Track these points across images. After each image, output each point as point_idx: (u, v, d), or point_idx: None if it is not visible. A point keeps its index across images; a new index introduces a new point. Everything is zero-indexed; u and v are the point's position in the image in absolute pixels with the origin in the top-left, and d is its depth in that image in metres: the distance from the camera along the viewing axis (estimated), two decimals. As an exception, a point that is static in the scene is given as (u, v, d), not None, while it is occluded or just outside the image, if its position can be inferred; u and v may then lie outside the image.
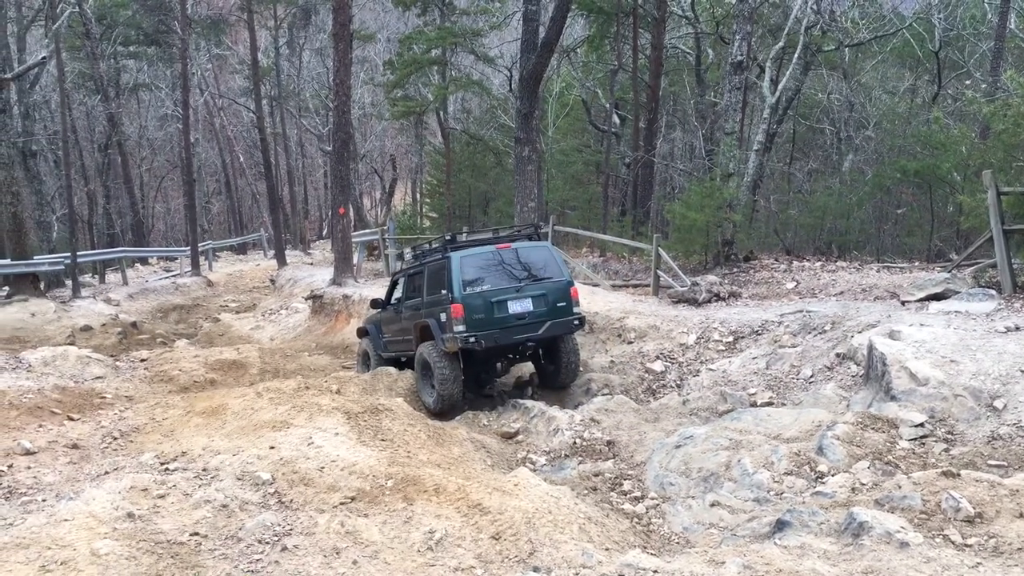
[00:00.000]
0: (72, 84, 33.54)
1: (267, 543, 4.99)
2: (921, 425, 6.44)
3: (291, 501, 5.66)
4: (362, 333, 12.56)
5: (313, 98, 41.85)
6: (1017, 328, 7.75)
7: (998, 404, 6.46)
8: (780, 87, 17.62)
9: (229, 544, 5.01)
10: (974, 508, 4.76)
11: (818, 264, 14.62)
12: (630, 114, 24.40)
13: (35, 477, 6.39)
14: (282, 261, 29.72)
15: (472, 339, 9.08)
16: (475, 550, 4.99)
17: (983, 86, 19.17)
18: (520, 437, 8.55)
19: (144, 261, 35.01)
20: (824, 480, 5.83)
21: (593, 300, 12.88)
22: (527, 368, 11.17)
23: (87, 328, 17.08)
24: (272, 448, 6.47)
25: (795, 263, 14.93)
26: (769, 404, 8.21)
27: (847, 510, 4.93)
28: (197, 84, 40.08)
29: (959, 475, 5.20)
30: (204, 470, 6.09)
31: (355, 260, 21.58)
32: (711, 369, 9.77)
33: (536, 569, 4.73)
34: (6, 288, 19.81)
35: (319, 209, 54.02)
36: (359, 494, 5.78)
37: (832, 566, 4.31)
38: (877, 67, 25.37)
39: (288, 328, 18.98)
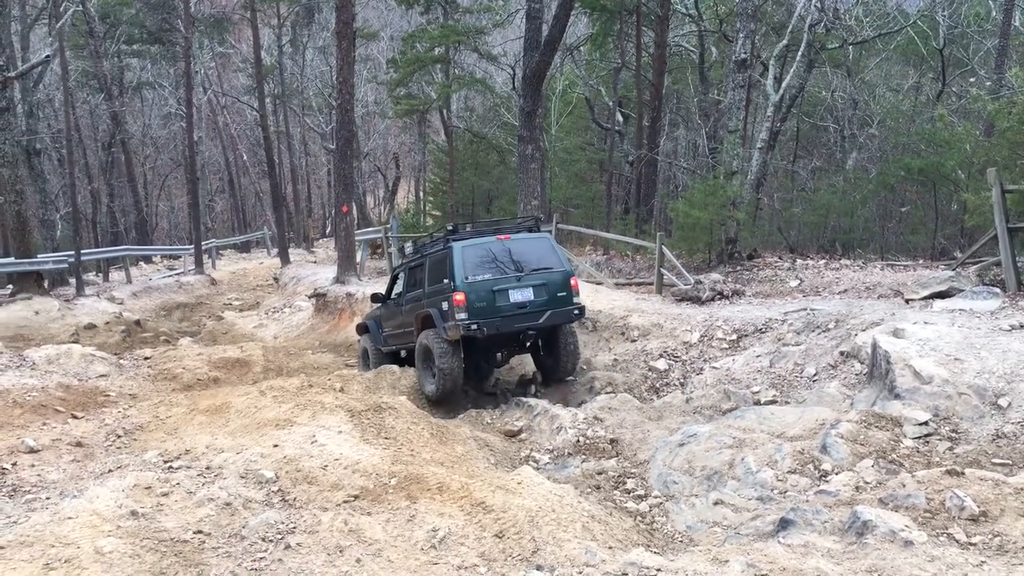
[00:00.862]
0: (76, 82, 33.58)
1: (271, 541, 4.99)
2: (925, 423, 6.42)
3: (294, 499, 5.66)
4: (362, 329, 12.63)
5: (316, 96, 41.87)
6: (1022, 326, 7.73)
7: (1002, 402, 6.44)
8: (784, 85, 17.58)
9: (233, 542, 5.02)
10: (978, 507, 4.75)
11: (822, 262, 14.59)
12: (633, 112, 24.40)
13: (39, 475, 6.40)
14: (285, 259, 29.72)
15: (474, 326, 9.16)
16: (478, 548, 4.99)
17: (987, 83, 19.11)
18: (523, 435, 8.55)
19: (148, 259, 35.07)
20: (828, 479, 5.82)
21: (597, 298, 12.87)
22: (530, 366, 11.18)
23: (91, 326, 17.10)
24: (275, 446, 6.47)
25: (799, 261, 14.90)
26: (773, 402, 8.21)
27: (851, 508, 4.92)
28: (200, 82, 40.15)
29: (963, 473, 5.19)
30: (208, 468, 6.09)
31: (358, 258, 21.60)
32: (715, 367, 9.75)
33: (539, 567, 4.73)
34: (10, 286, 19.84)
35: (322, 207, 54.05)
36: (362, 492, 5.78)
37: (836, 565, 4.30)
38: (881, 65, 25.34)
39: (291, 326, 19.00)
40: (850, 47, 21.49)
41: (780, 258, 15.64)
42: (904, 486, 5.21)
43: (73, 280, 21.35)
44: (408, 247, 14.26)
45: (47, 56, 21.71)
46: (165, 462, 6.42)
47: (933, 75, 23.54)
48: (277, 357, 13.43)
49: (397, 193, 47.65)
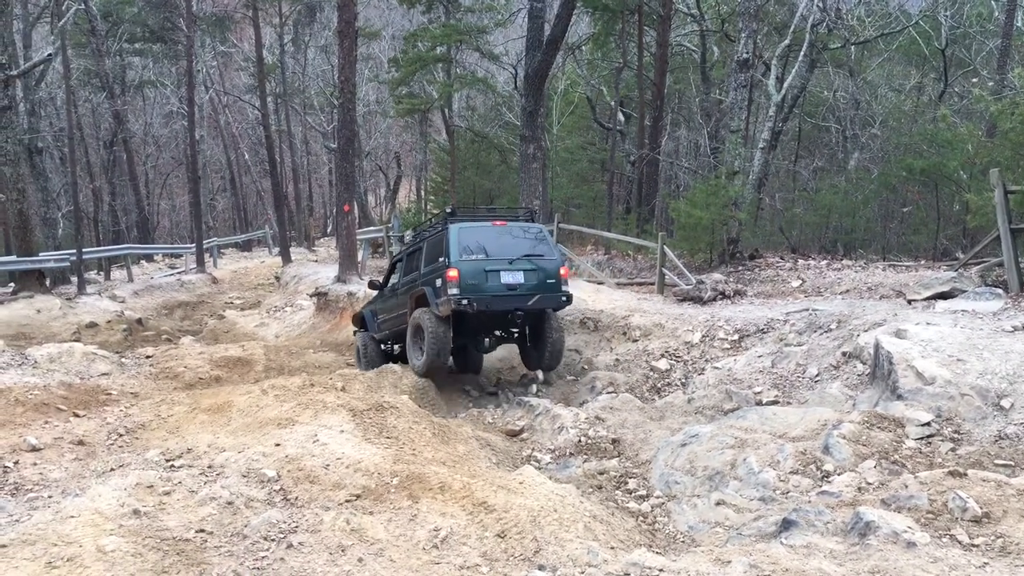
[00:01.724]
0: (78, 81, 33.58)
1: (272, 540, 4.99)
2: (928, 424, 6.42)
3: (296, 498, 5.66)
4: (357, 320, 13.07)
5: (318, 95, 41.85)
6: (1024, 327, 7.72)
7: (1005, 403, 6.43)
8: (786, 85, 17.58)
9: (235, 541, 5.01)
10: (981, 508, 4.74)
11: (824, 262, 14.59)
12: (635, 112, 24.39)
13: (41, 473, 6.39)
14: (287, 258, 29.72)
15: (465, 301, 9.51)
16: (480, 548, 4.99)
17: (990, 84, 19.09)
18: (525, 435, 8.54)
19: (149, 258, 35.09)
20: (830, 479, 5.81)
21: (598, 298, 12.87)
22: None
23: (93, 325, 17.11)
24: (277, 445, 6.47)
25: (800, 261, 14.90)
26: (775, 403, 8.20)
27: (853, 509, 4.92)
28: (202, 81, 40.13)
29: (966, 475, 5.18)
30: (209, 467, 6.09)
31: (360, 257, 21.61)
32: (716, 367, 9.75)
33: (541, 567, 4.73)
34: (12, 284, 19.85)
35: (324, 206, 54.02)
36: (364, 492, 5.78)
37: (839, 566, 4.30)
38: (883, 65, 25.30)
39: (293, 325, 19.00)
40: (852, 47, 21.46)
41: (782, 258, 15.63)
42: (907, 487, 5.20)
43: (75, 278, 21.35)
44: (408, 234, 14.60)
45: (49, 54, 21.71)
46: (167, 461, 6.42)
47: (935, 75, 23.53)
48: (279, 356, 13.42)
49: (398, 192, 47.65)
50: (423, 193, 36.61)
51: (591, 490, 6.58)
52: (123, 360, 12.33)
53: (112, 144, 35.89)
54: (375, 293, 12.82)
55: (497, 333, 10.73)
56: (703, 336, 10.71)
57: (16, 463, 6.55)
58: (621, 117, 25.29)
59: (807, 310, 10.31)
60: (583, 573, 4.57)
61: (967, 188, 13.46)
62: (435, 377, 10.30)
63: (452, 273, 9.55)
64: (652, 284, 14.13)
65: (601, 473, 7.06)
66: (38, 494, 5.90)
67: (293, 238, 37.00)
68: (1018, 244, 9.74)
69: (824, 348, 8.96)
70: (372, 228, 29.29)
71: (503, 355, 12.04)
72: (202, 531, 5.08)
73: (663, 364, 10.36)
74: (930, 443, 6.25)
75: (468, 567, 4.79)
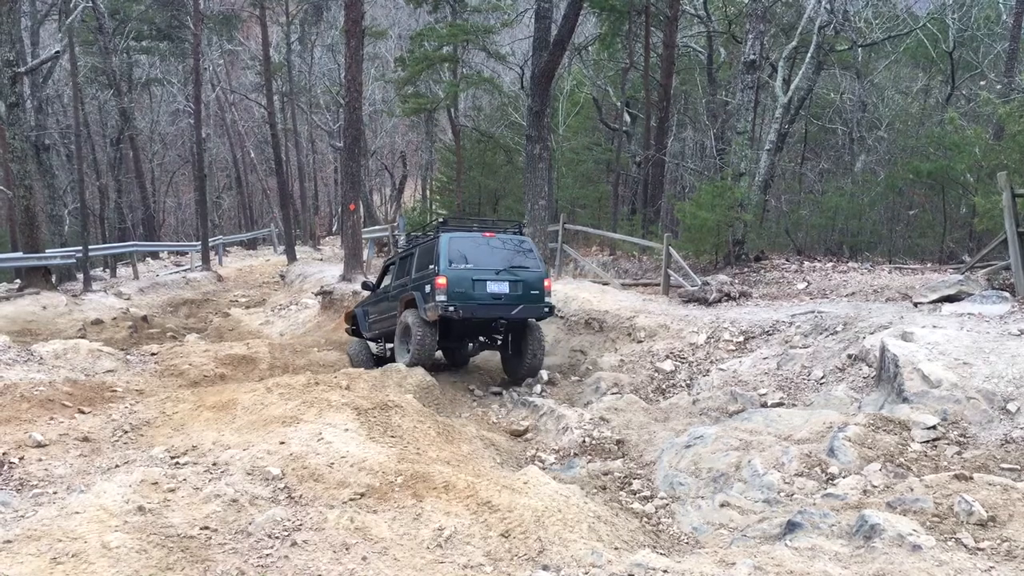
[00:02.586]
0: (85, 78, 33.65)
1: (277, 538, 4.99)
2: (933, 427, 6.39)
3: (301, 496, 5.66)
4: (349, 318, 13.63)
5: (324, 94, 41.94)
6: (1031, 331, 7.69)
7: (1011, 407, 6.41)
8: (792, 87, 17.55)
9: (239, 538, 5.02)
10: (987, 511, 4.72)
11: (829, 265, 14.56)
12: (641, 112, 24.35)
13: (46, 469, 6.40)
14: (292, 257, 29.78)
15: (451, 308, 9.98)
16: (484, 548, 4.98)
17: (998, 87, 19.05)
18: (529, 435, 8.54)
19: (155, 255, 35.21)
20: (835, 482, 5.79)
21: (603, 299, 12.86)
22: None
23: (98, 321, 17.15)
24: (282, 443, 6.47)
25: (806, 263, 14.87)
26: (780, 405, 8.18)
27: (858, 512, 4.90)
28: (209, 79, 40.18)
29: (972, 478, 5.16)
30: (214, 464, 6.09)
31: (365, 256, 21.63)
32: (721, 369, 9.73)
33: (545, 567, 4.72)
34: (18, 281, 19.92)
35: (329, 205, 54.08)
36: (368, 490, 5.78)
37: (843, 568, 4.28)
38: (890, 67, 25.23)
39: (298, 324, 19.02)
40: (859, 49, 21.41)
41: (787, 260, 15.60)
42: (912, 490, 5.19)
43: (80, 275, 21.43)
44: (402, 240, 15.08)
45: (57, 52, 21.78)
46: (172, 458, 6.43)
47: (942, 78, 23.45)
48: (283, 354, 13.44)
49: (404, 191, 47.74)
50: (428, 193, 36.64)
51: (595, 491, 6.57)
52: (128, 357, 12.35)
53: (119, 142, 35.97)
54: (368, 294, 13.32)
55: (481, 339, 11.22)
56: (708, 337, 10.69)
57: (21, 459, 6.56)
58: (627, 118, 25.26)
59: (813, 312, 10.29)
60: (587, 574, 4.56)
61: (974, 191, 13.43)
62: (439, 376, 10.37)
63: (441, 280, 10.05)
64: (657, 285, 14.12)
65: (605, 474, 7.05)
66: (43, 490, 5.91)
67: (298, 236, 37.06)
68: (1025, 247, 9.71)
69: (830, 350, 8.94)
70: (377, 227, 29.36)
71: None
72: (206, 528, 5.09)
73: (668, 365, 10.34)
74: (936, 446, 6.23)
75: (472, 566, 4.79)
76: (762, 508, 5.77)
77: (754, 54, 15.49)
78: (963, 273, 10.43)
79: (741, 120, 16.17)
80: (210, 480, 5.78)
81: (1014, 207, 9.71)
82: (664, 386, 9.97)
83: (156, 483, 5.58)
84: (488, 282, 10.30)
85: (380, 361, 12.22)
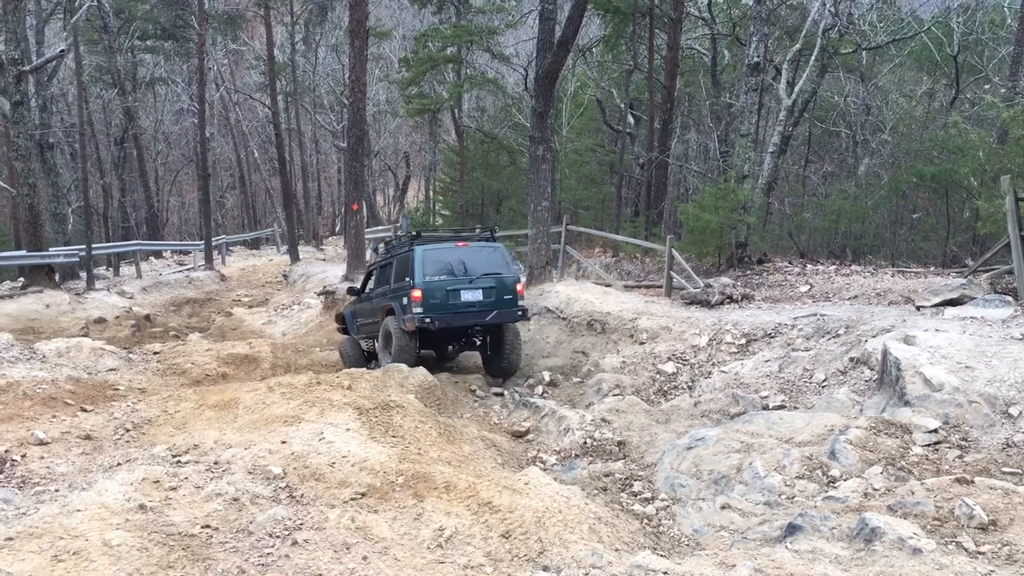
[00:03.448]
0: (89, 77, 33.75)
1: (278, 537, 5.00)
2: (935, 431, 6.39)
3: (302, 496, 5.67)
4: (339, 319, 14.14)
5: (328, 94, 41.96)
6: (1034, 335, 7.68)
7: (1013, 411, 6.40)
8: (796, 89, 17.55)
9: (240, 537, 5.03)
10: (988, 515, 4.72)
11: (832, 268, 14.54)
12: (645, 114, 24.34)
13: (48, 467, 6.42)
14: (295, 256, 29.79)
15: (428, 319, 10.43)
16: (485, 548, 4.99)
17: (1002, 91, 19.02)
18: (531, 436, 8.54)
19: (158, 254, 35.22)
20: (836, 485, 5.79)
21: (605, 300, 12.86)
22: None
23: (101, 320, 17.18)
24: (283, 443, 6.48)
25: (809, 266, 14.85)
26: (781, 407, 8.17)
27: (859, 515, 4.90)
28: (213, 79, 40.25)
29: (973, 482, 5.16)
30: (216, 463, 6.10)
31: (368, 256, 21.61)
32: (723, 371, 9.72)
33: (546, 568, 4.72)
34: (22, 279, 19.96)
35: (332, 205, 54.14)
36: (370, 490, 5.79)
37: (844, 571, 4.28)
38: (894, 70, 25.23)
39: (300, 323, 19.03)
40: (863, 52, 21.42)
41: (790, 263, 15.59)
42: (913, 493, 5.18)
43: (84, 274, 21.45)
44: (381, 248, 15.49)
45: (62, 51, 21.84)
46: (173, 456, 6.44)
47: (947, 82, 23.43)
48: (285, 354, 13.46)
49: (407, 192, 47.77)
50: (432, 193, 36.65)
51: (596, 492, 6.57)
52: (131, 356, 12.37)
53: (123, 141, 36.06)
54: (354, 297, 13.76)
55: (461, 341, 11.64)
56: (710, 340, 10.68)
57: (23, 456, 6.57)
58: (631, 119, 25.26)
59: (815, 315, 10.28)
60: (587, 575, 4.56)
61: (977, 195, 13.40)
62: (441, 377, 10.44)
63: (416, 294, 10.48)
64: (660, 287, 14.11)
65: (606, 475, 7.06)
66: (45, 488, 5.93)
67: (301, 236, 37.08)
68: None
69: (832, 353, 8.93)
70: (380, 227, 29.38)
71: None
72: (207, 527, 5.10)
73: (670, 367, 10.34)
74: (937, 450, 6.22)
75: (472, 567, 4.79)
76: (763, 510, 5.78)
77: (758, 56, 15.48)
78: (966, 277, 10.42)
79: (745, 122, 16.16)
80: (211, 479, 5.79)
81: (1017, 211, 9.69)
82: (666, 388, 9.97)
83: (157, 481, 5.59)
84: (462, 291, 10.71)
85: (371, 357, 12.78)
